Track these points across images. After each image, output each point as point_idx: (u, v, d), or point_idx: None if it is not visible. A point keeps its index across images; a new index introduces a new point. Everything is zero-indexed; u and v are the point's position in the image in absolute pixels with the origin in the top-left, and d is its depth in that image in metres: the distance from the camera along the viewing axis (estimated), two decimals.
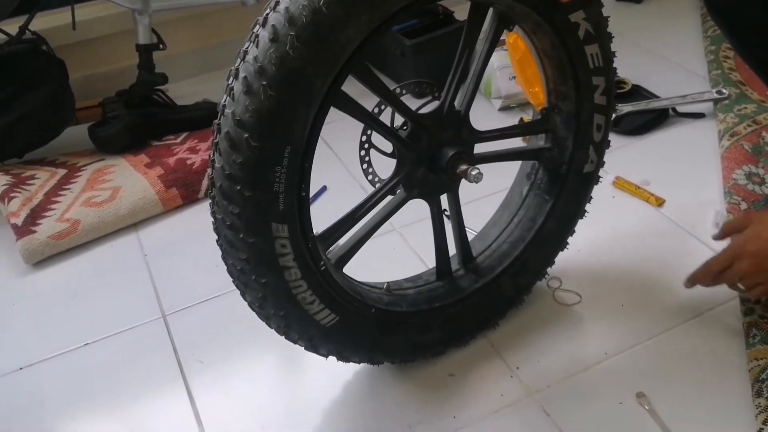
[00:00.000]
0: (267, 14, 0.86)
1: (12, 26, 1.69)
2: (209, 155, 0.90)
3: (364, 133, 1.06)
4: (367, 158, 1.09)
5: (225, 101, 0.89)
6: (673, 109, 1.72)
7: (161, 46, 1.76)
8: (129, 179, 1.59)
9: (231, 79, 0.89)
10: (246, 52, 0.87)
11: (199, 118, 1.78)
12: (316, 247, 0.98)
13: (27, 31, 1.67)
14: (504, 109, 1.82)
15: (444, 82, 1.05)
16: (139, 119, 1.72)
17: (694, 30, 2.11)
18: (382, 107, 1.04)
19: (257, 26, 0.87)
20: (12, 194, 1.55)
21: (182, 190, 1.58)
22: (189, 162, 1.63)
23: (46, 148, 1.75)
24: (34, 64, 1.65)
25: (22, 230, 1.48)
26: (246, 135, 0.86)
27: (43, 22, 1.77)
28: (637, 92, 1.77)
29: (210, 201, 0.94)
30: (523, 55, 1.09)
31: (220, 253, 0.95)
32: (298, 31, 0.83)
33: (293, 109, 0.86)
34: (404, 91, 1.07)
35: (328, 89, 0.88)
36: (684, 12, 2.19)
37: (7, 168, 1.65)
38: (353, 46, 0.87)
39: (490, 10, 1.04)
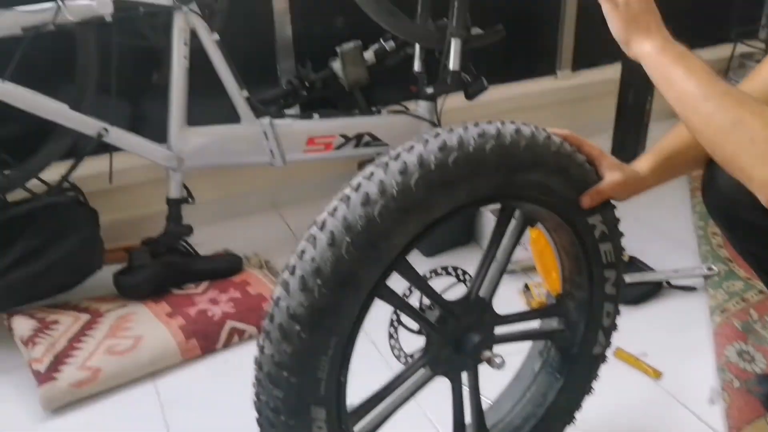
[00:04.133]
0: (324, 219, 0.96)
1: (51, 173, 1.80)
2: (258, 342, 0.97)
3: (394, 311, 1.15)
4: (395, 335, 1.17)
5: (279, 294, 0.97)
6: (668, 282, 1.83)
7: (190, 200, 1.87)
8: (150, 328, 1.65)
9: (286, 273, 0.97)
10: (303, 252, 0.96)
11: (219, 270, 1.86)
12: (349, 428, 1.04)
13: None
14: (509, 272, 1.92)
15: None
16: (164, 269, 1.80)
17: (686, 203, 2.25)
18: (412, 290, 1.13)
19: (314, 227, 0.97)
20: (36, 339, 1.59)
21: (202, 341, 1.64)
22: (209, 314, 1.69)
23: (70, 291, 1.80)
24: (69, 214, 1.74)
25: (44, 377, 1.52)
26: (298, 327, 0.93)
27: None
28: (634, 264, 1.89)
29: (254, 382, 1.00)
30: (543, 247, 1.21)
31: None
32: (354, 237, 0.92)
33: (343, 305, 0.95)
34: (433, 276, 1.17)
35: (373, 285, 0.97)
36: (677, 183, 2.35)
37: (32, 312, 1.70)
38: (399, 248, 0.97)
39: (517, 211, 1.16)
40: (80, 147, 1.79)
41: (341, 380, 1.00)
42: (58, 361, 1.55)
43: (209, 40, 1.80)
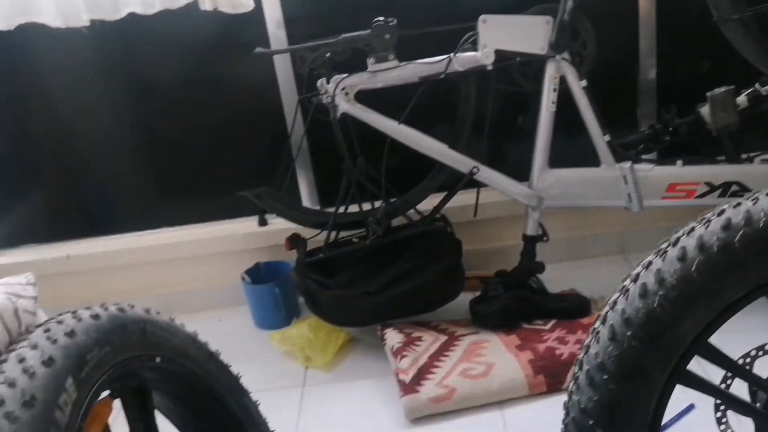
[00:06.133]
0: (606, 312, 0.96)
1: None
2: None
3: (717, 408, 1.09)
4: (724, 420, 1.11)
5: (572, 388, 1.00)
6: None
7: (545, 238, 1.95)
8: (501, 358, 1.77)
9: (576, 368, 0.99)
10: (588, 347, 0.97)
11: (567, 309, 1.93)
12: None
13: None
14: None
15: None
16: (516, 302, 1.92)
17: None
18: (729, 381, 1.05)
19: (598, 322, 0.97)
20: (404, 352, 1.81)
21: (549, 378, 1.70)
22: (558, 352, 1.75)
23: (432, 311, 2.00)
24: (439, 242, 1.96)
25: (408, 388, 1.72)
26: (591, 422, 0.95)
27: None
28: None
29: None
30: None
31: None
32: (635, 331, 0.91)
33: (633, 398, 0.94)
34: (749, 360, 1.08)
35: (669, 374, 0.93)
36: None
37: (400, 326, 1.94)
38: (691, 337, 0.92)
39: None
40: (451, 182, 1.97)
41: None
42: (420, 376, 1.74)
43: (577, 87, 1.87)
